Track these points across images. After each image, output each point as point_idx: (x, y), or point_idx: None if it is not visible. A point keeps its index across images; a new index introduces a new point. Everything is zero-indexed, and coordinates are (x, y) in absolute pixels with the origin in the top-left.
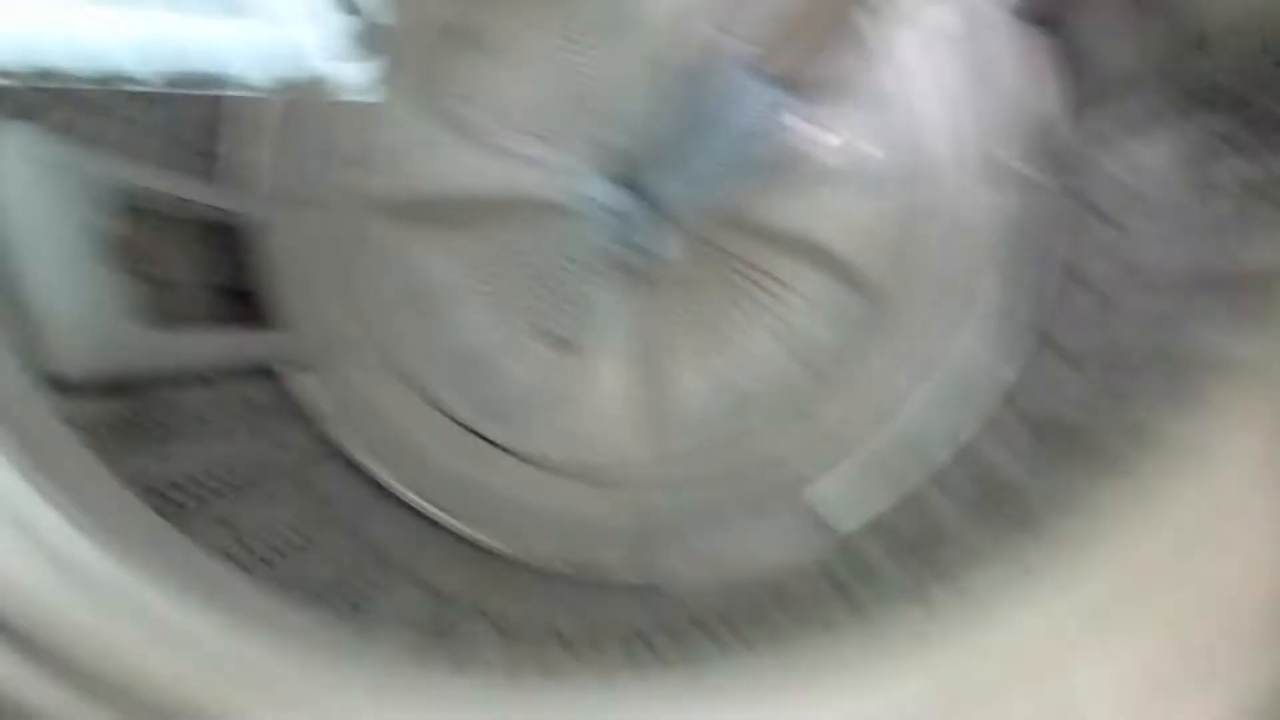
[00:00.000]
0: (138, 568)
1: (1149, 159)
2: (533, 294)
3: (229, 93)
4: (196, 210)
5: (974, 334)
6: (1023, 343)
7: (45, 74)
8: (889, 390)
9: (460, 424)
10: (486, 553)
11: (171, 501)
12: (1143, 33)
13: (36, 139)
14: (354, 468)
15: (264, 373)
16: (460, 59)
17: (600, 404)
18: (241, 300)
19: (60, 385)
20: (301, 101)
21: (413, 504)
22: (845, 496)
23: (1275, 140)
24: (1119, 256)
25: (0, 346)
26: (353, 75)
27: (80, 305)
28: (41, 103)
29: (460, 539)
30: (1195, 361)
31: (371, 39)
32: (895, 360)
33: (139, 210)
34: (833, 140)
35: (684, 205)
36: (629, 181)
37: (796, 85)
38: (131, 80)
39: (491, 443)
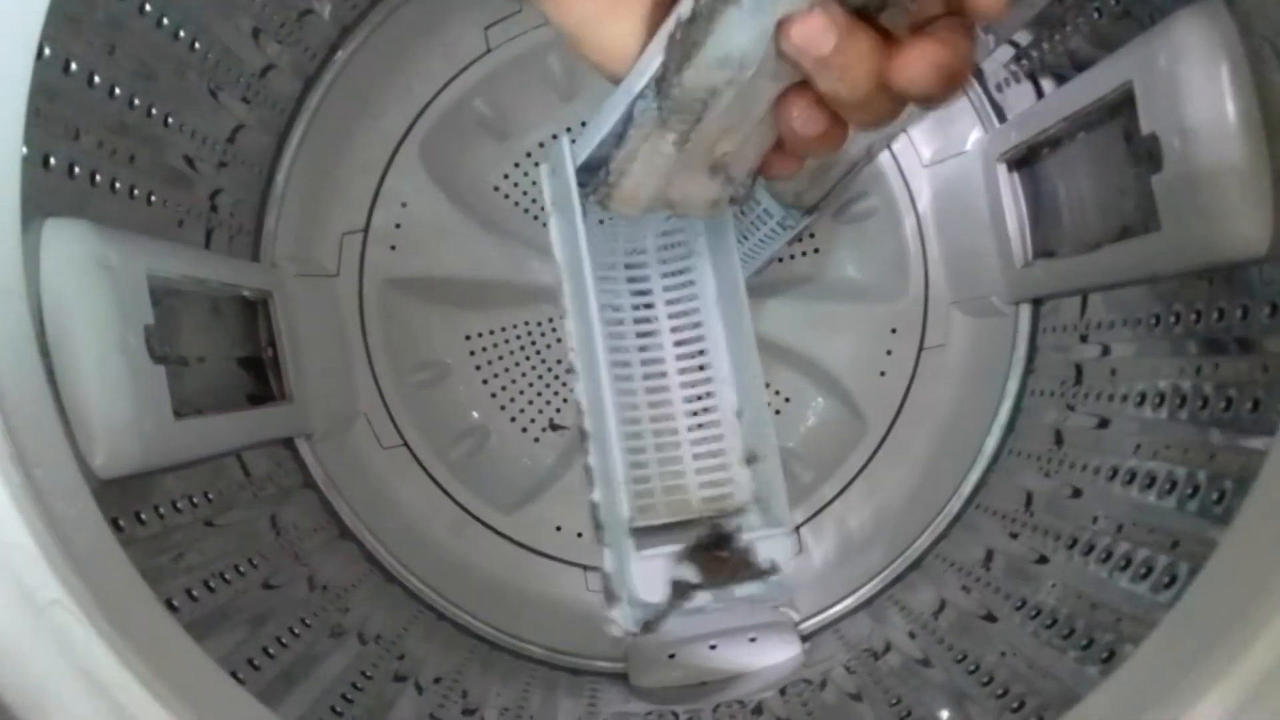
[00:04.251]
0: None
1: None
2: (533, 376)
3: None
4: (219, 287)
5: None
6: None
7: None
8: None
9: (456, 502)
10: (469, 634)
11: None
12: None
13: (81, 235)
14: (349, 539)
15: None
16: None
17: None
18: (259, 373)
19: (105, 486)
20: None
21: (401, 579)
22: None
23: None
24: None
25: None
26: None
27: (126, 404)
28: (74, 194)
29: (443, 618)
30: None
31: None
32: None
33: (169, 292)
34: (835, 260)
35: None
36: None
37: (804, 207)
38: None
39: (484, 523)
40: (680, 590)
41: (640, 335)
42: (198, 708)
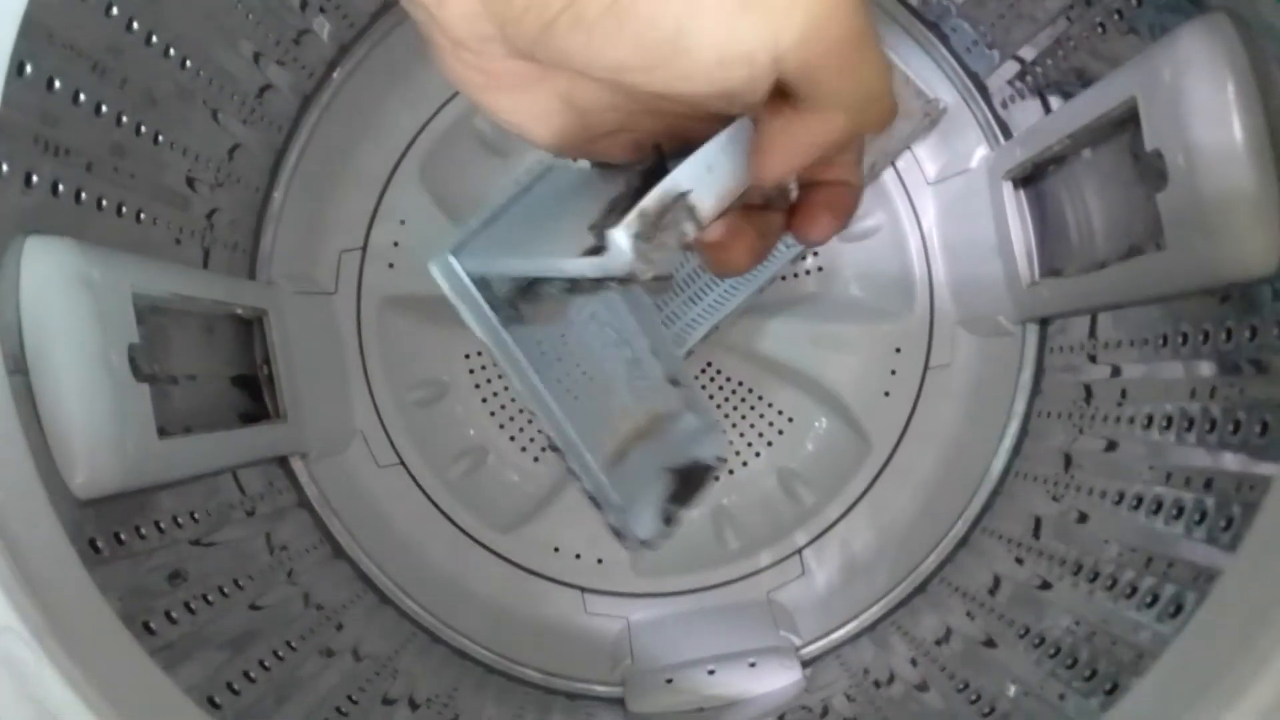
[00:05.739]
0: None
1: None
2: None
3: None
4: (210, 305)
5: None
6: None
7: None
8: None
9: (453, 522)
10: (464, 656)
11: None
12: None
13: (63, 252)
14: (343, 558)
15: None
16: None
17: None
18: (254, 392)
19: (77, 504)
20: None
21: (395, 600)
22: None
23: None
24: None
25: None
26: None
27: (107, 423)
28: (62, 213)
29: (438, 640)
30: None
31: None
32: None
33: (157, 310)
34: (839, 279)
35: (687, 326)
36: None
37: None
38: None
39: (481, 544)
40: (669, 519)
41: None
42: None
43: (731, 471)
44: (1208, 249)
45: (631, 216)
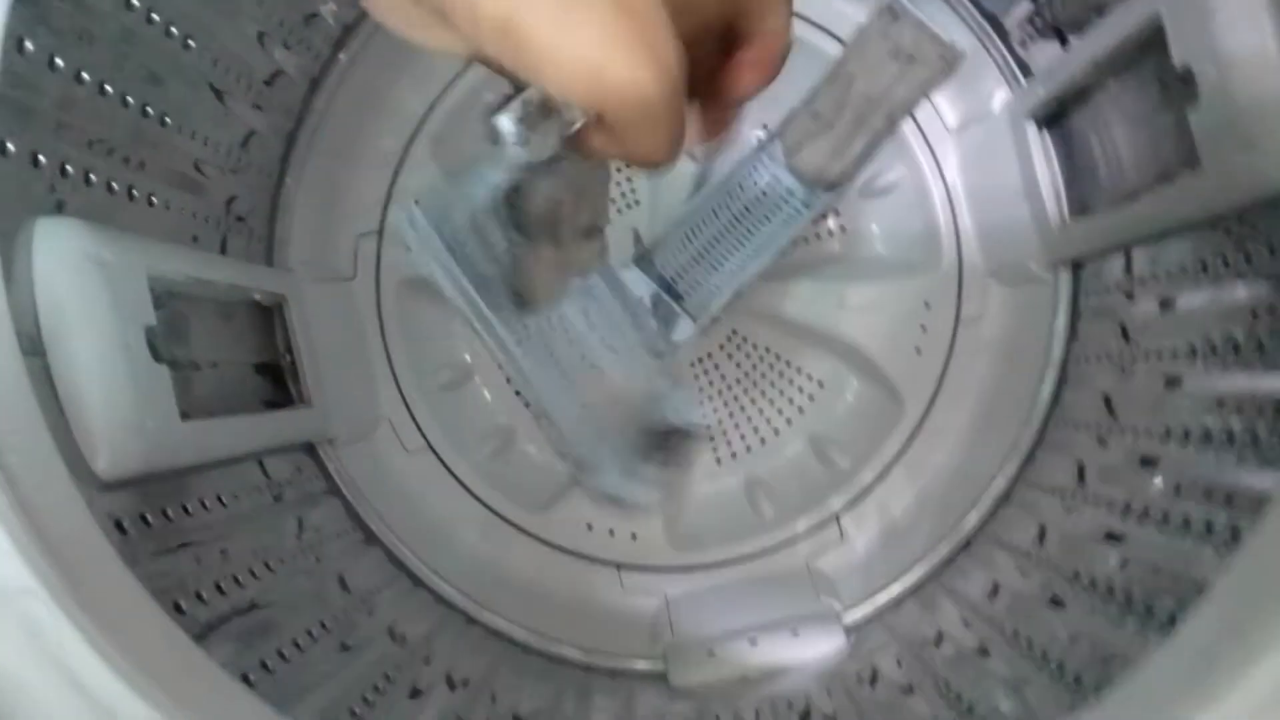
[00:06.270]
0: None
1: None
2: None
3: None
4: (228, 290)
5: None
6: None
7: None
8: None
9: (484, 504)
10: (501, 637)
11: (200, 601)
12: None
13: (74, 233)
14: (375, 544)
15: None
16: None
17: None
18: (277, 378)
19: (102, 486)
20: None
21: (429, 583)
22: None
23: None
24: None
25: (53, 467)
26: None
27: (127, 404)
28: (69, 194)
29: (473, 622)
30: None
31: None
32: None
33: (175, 295)
34: (862, 236)
35: (709, 294)
36: (649, 267)
37: (827, 183)
38: None
39: (513, 525)
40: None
41: None
42: (182, 700)
43: (764, 441)
44: (1246, 161)
45: (515, 103)
